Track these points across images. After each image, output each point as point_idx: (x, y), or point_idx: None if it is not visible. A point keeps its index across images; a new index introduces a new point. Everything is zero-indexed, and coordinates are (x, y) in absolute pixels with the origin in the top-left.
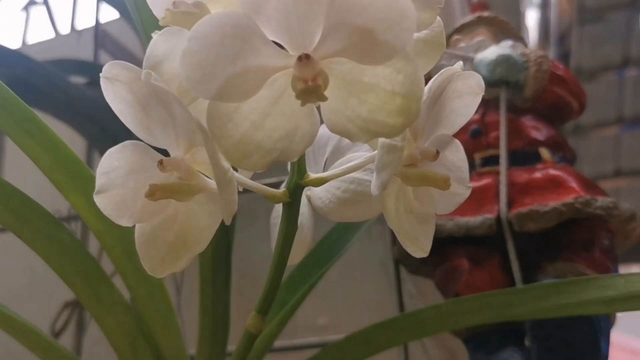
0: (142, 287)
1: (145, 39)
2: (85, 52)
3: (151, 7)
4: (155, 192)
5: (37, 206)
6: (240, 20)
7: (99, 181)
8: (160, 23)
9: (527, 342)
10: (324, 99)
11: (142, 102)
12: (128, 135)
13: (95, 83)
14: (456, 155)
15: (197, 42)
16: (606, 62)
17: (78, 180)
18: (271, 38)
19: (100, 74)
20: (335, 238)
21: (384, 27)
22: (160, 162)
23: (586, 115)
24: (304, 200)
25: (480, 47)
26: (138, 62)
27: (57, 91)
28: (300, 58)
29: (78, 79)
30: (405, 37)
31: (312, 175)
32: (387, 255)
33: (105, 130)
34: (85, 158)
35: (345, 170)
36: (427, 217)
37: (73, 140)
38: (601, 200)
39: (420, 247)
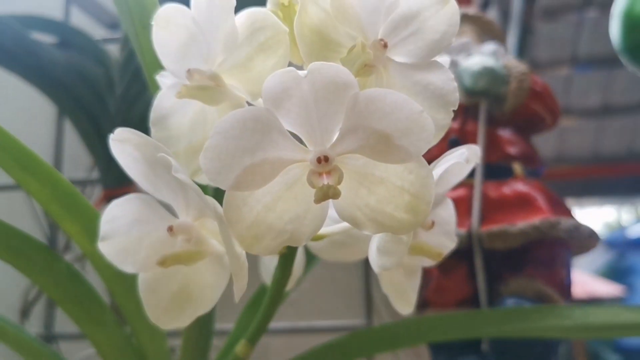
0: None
1: (148, 77)
2: (52, 6)
3: (160, 58)
4: (166, 261)
5: (34, 241)
6: (261, 115)
7: (103, 228)
8: (176, 97)
9: (483, 345)
10: (338, 196)
11: (150, 161)
12: (100, 107)
13: (66, 44)
14: (447, 212)
15: (218, 136)
16: (567, 2)
17: (74, 210)
18: (289, 129)
19: (111, 137)
20: None
21: (402, 134)
22: (171, 229)
23: (542, 53)
24: None
25: (463, 49)
26: (110, 16)
27: (24, 52)
28: (319, 160)
29: (46, 38)
30: (421, 145)
31: None
32: None
33: (77, 100)
34: (55, 125)
35: (347, 228)
36: (415, 269)
37: (43, 107)
38: (564, 223)
39: (407, 301)
